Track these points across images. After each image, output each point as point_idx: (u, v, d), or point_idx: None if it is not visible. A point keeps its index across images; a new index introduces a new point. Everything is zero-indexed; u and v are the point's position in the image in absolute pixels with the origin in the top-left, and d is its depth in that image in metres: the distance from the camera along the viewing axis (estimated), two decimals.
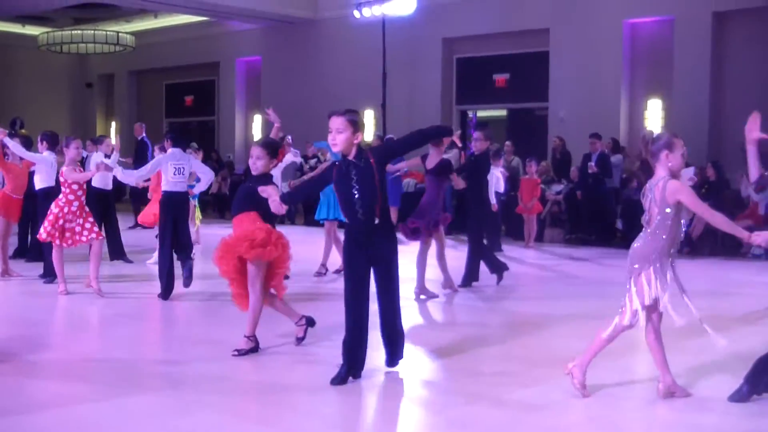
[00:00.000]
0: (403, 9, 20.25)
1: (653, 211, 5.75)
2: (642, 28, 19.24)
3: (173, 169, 9.90)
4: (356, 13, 20.86)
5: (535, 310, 9.66)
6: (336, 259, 11.34)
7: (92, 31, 26.95)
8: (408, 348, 6.89)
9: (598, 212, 16.82)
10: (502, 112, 22.62)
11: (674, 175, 5.73)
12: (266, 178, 7.30)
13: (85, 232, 9.88)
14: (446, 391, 6.41)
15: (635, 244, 5.87)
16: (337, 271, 11.71)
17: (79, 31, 27.01)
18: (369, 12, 20.61)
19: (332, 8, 23.77)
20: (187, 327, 8.79)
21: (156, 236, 10.97)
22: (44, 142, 11.54)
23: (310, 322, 7.63)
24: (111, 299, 9.96)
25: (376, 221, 6.22)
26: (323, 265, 12.26)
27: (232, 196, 10.49)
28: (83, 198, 9.95)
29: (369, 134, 22.15)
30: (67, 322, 9.20)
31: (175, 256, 9.96)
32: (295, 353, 7.37)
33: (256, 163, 7.32)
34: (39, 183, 11.45)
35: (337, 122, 6.29)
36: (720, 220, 5.77)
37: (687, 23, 18.14)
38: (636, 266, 5.80)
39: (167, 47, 28.44)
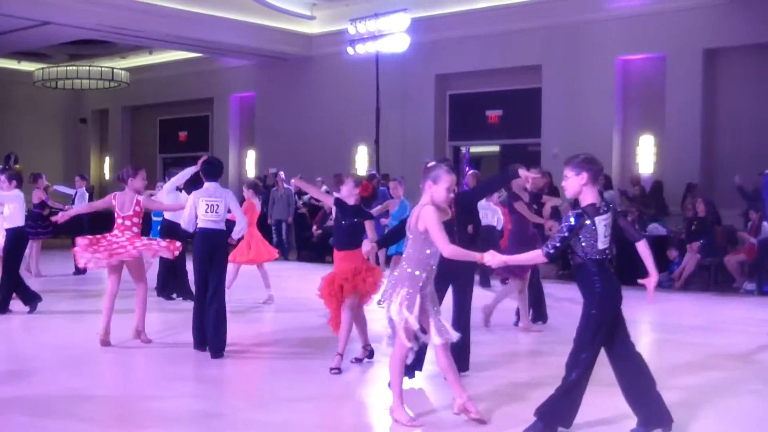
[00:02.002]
0: (397, 46, 20.37)
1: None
2: (634, 65, 19.38)
3: (205, 205, 8.78)
4: (350, 50, 20.98)
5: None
6: None
7: (87, 67, 27.05)
8: None
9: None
10: (495, 148, 22.67)
11: (435, 204, 5.97)
12: (361, 210, 8.27)
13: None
14: None
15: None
16: None
17: (74, 67, 27.10)
18: (363, 49, 20.73)
19: (326, 45, 23.90)
20: (178, 365, 8.68)
21: None
22: (13, 181, 11.38)
23: (371, 354, 8.40)
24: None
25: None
26: None
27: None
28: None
29: (362, 170, 22.25)
30: (55, 357, 9.06)
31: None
32: (288, 391, 7.34)
33: (342, 188, 8.40)
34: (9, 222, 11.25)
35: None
36: (452, 252, 5.86)
37: (678, 60, 18.29)
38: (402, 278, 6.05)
39: (162, 83, 28.55)
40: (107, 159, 32.10)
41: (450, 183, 6.01)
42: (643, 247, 5.86)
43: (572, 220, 5.51)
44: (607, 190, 17.48)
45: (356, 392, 7.57)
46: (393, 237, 7.98)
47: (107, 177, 31.88)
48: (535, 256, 5.74)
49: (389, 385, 6.39)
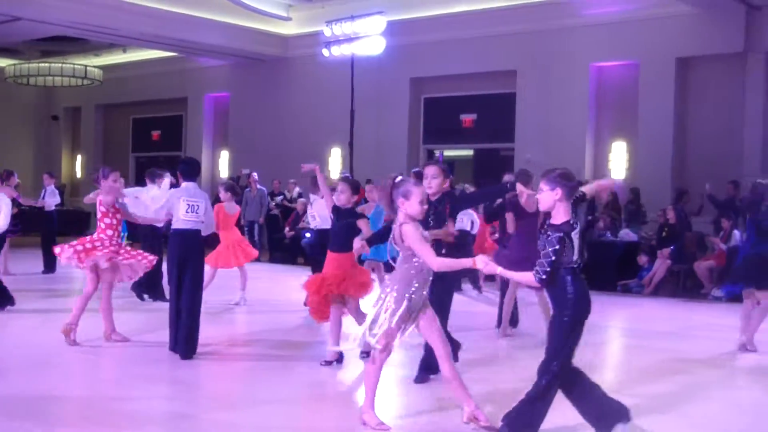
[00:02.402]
0: (372, 49, 20.37)
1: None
2: (608, 72, 19.51)
3: (186, 206, 8.65)
4: (325, 52, 20.95)
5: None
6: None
7: (60, 65, 26.84)
8: None
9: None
10: (469, 152, 22.75)
11: (412, 218, 6.01)
12: (355, 211, 8.47)
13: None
14: None
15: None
16: None
17: (46, 64, 26.88)
18: (338, 51, 20.70)
19: (301, 47, 23.87)
20: (151, 365, 8.62)
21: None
22: None
23: (341, 358, 8.42)
24: (78, 335, 9.80)
25: (443, 251, 7.14)
26: None
27: None
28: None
29: (335, 173, 22.24)
30: (22, 357, 8.96)
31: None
32: (259, 392, 7.33)
33: (340, 196, 8.39)
34: None
35: (432, 170, 7.58)
36: (440, 264, 5.94)
37: (651, 68, 18.44)
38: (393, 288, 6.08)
39: (135, 82, 28.39)
40: (79, 157, 31.89)
41: (421, 196, 6.03)
42: None
43: (557, 245, 5.54)
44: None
45: (327, 394, 7.57)
46: (384, 235, 7.99)
47: (79, 175, 31.67)
48: (527, 279, 5.77)
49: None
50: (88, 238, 9.28)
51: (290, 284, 12.82)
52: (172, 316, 8.71)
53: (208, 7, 22.28)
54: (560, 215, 5.66)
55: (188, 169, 9.01)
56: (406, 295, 5.99)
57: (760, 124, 17.43)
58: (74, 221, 27.83)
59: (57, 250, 9.21)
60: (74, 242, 9.14)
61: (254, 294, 13.24)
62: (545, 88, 19.74)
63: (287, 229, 19.90)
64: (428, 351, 7.27)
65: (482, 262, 5.70)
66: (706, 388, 7.86)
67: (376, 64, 21.25)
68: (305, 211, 14.15)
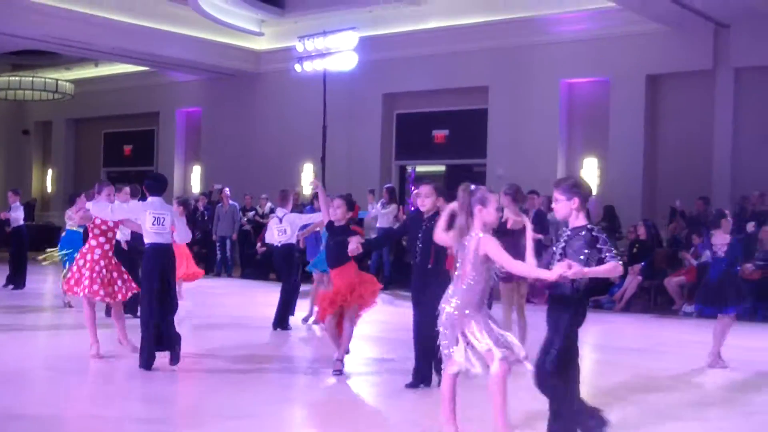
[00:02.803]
0: (345, 64, 20.38)
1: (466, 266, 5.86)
2: (579, 88, 19.64)
3: (152, 218, 8.73)
4: (297, 67, 20.93)
5: None
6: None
7: (31, 78, 26.67)
8: None
9: None
10: (441, 168, 22.78)
11: (489, 226, 5.90)
12: (348, 228, 8.70)
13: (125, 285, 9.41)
14: None
15: (454, 299, 5.88)
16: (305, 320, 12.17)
17: (17, 78, 26.70)
18: (310, 66, 20.70)
19: (274, 62, 23.87)
20: (123, 382, 8.53)
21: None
22: None
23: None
24: (45, 352, 9.70)
25: (429, 266, 7.76)
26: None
27: None
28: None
29: (307, 188, 22.20)
30: None
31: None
32: (228, 408, 7.27)
33: (336, 211, 8.69)
34: None
35: (426, 189, 7.96)
36: (525, 270, 5.80)
37: (622, 85, 18.59)
38: (467, 312, 5.82)
39: (107, 96, 28.25)
40: (50, 171, 31.67)
41: (497, 202, 6.01)
42: None
43: (602, 233, 5.65)
44: (550, 211, 17.63)
45: (294, 409, 7.53)
46: (381, 242, 8.33)
47: (50, 190, 31.44)
48: (611, 268, 5.61)
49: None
50: (79, 263, 9.27)
51: (261, 299, 12.77)
52: (150, 331, 8.64)
53: (180, 22, 22.22)
54: (579, 221, 5.76)
55: (154, 185, 9.06)
56: (484, 309, 5.87)
57: (729, 140, 17.60)
58: (45, 237, 27.59)
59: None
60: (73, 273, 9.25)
61: (225, 309, 13.19)
62: (517, 104, 19.84)
63: (259, 244, 19.77)
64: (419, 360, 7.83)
65: (564, 267, 5.45)
66: (676, 405, 7.87)
67: (348, 80, 21.27)
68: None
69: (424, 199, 7.93)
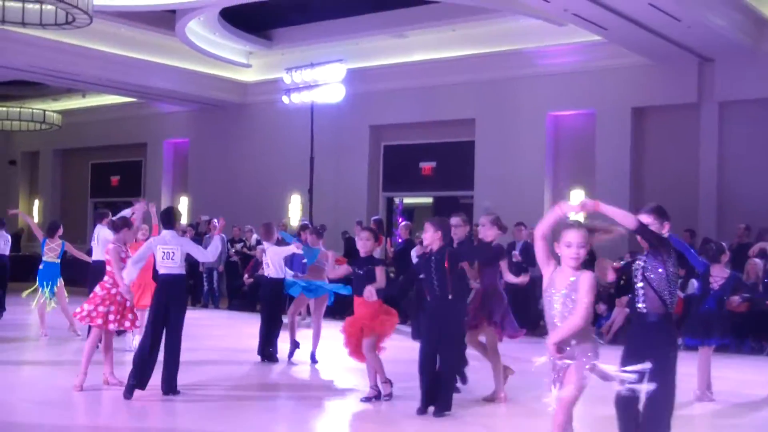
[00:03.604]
0: (332, 96, 20.46)
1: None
2: (565, 121, 19.75)
3: (162, 253, 9.22)
4: (285, 99, 21.00)
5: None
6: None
7: (18, 109, 26.61)
8: None
9: (522, 301, 16.90)
10: (428, 200, 22.84)
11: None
12: (373, 258, 9.15)
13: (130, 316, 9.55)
14: None
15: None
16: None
17: (4, 108, 26.64)
18: (298, 98, 20.77)
19: (261, 93, 23.94)
20: (110, 415, 8.48)
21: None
22: None
23: (379, 395, 9.09)
24: (25, 383, 9.65)
25: (450, 298, 8.30)
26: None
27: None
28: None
29: (295, 219, 22.22)
30: None
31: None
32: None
33: (365, 244, 9.19)
34: None
35: (429, 227, 8.50)
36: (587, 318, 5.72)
37: (608, 117, 18.71)
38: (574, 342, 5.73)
39: (94, 127, 28.28)
40: (36, 202, 31.57)
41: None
42: None
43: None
44: None
45: None
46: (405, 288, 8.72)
47: (36, 220, 31.29)
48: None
49: None
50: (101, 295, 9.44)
51: (248, 331, 12.74)
52: (143, 357, 8.88)
53: (168, 53, 22.29)
54: None
55: (167, 218, 9.63)
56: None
57: (715, 173, 17.71)
58: (31, 267, 27.44)
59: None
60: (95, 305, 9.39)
61: (212, 341, 13.14)
62: (504, 136, 19.93)
63: (246, 276, 19.78)
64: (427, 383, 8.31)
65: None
66: None
67: (335, 112, 21.35)
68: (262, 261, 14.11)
69: (426, 234, 8.49)
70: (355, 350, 9.14)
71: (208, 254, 9.90)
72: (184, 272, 9.38)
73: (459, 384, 9.31)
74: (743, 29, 16.43)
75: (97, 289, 9.48)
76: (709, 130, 17.84)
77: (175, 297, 9.19)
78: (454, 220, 9.45)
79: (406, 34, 20.81)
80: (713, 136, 17.79)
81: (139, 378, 8.84)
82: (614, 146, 18.62)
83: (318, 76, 20.35)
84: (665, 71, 17.90)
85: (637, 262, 5.99)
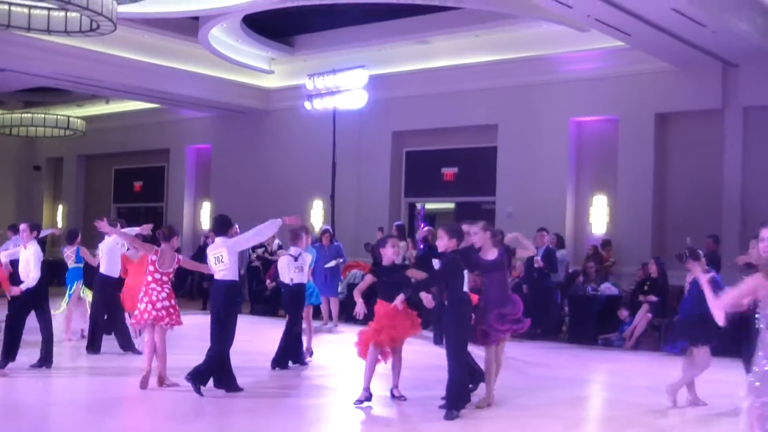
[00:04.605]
0: (354, 102, 20.49)
1: None
2: (588, 127, 19.68)
3: (213, 258, 9.80)
4: (307, 105, 21.04)
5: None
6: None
7: (42, 115, 26.81)
8: None
9: (544, 306, 16.89)
10: (450, 205, 22.81)
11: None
12: (397, 267, 9.48)
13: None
14: None
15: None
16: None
17: (29, 115, 26.86)
18: (320, 104, 20.81)
19: (284, 99, 24.00)
20: (156, 420, 8.53)
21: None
22: None
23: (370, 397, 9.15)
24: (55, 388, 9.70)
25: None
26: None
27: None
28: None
29: (317, 225, 22.26)
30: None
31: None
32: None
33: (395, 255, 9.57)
34: None
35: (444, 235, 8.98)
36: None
37: (631, 123, 18.62)
38: None
39: (118, 133, 28.44)
40: (60, 207, 31.78)
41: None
42: None
43: None
44: (560, 249, 17.64)
45: None
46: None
47: (60, 225, 31.52)
48: None
49: None
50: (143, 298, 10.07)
51: (270, 336, 12.78)
52: (217, 360, 9.57)
53: (191, 60, 22.39)
54: None
55: (218, 227, 10.41)
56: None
57: (739, 179, 17.57)
58: (54, 272, 27.68)
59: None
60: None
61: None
62: (526, 142, 19.89)
63: (268, 281, 19.82)
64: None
65: None
66: None
67: (357, 118, 21.38)
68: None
69: (441, 241, 8.92)
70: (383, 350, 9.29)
71: (260, 233, 10.59)
72: (235, 278, 9.80)
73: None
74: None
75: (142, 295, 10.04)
76: (734, 136, 17.70)
77: (227, 304, 9.69)
78: (473, 228, 9.47)
79: (428, 40, 20.80)
80: (737, 142, 17.66)
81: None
82: (637, 152, 18.53)
83: (340, 83, 20.39)
84: (689, 77, 17.81)
85: None
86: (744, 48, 16.31)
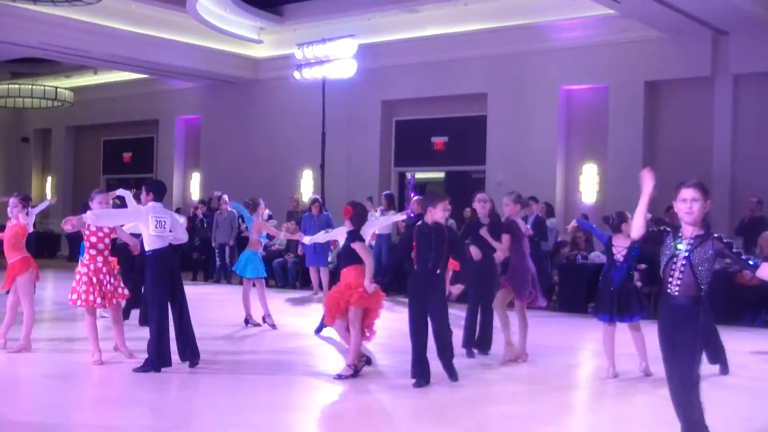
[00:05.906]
0: (344, 72, 20.42)
1: None
2: (577, 95, 19.66)
3: (155, 221, 9.09)
4: (296, 75, 20.98)
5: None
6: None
7: (30, 86, 26.68)
8: None
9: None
10: (440, 175, 22.80)
11: None
12: (358, 234, 9.20)
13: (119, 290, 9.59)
14: None
15: None
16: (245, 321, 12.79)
17: (16, 86, 26.71)
18: (309, 74, 20.74)
19: (273, 69, 23.90)
20: (126, 390, 8.51)
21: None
22: None
23: (356, 372, 8.94)
24: (46, 360, 9.71)
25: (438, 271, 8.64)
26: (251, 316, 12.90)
27: None
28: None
29: (307, 194, 22.25)
30: None
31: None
32: (221, 415, 7.28)
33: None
34: None
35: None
36: None
37: (620, 91, 18.60)
38: None
39: (106, 103, 28.29)
40: (49, 179, 31.67)
41: None
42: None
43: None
44: (549, 217, 17.67)
45: (294, 416, 7.55)
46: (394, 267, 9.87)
47: (49, 197, 31.40)
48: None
49: None
50: (79, 276, 9.36)
51: (258, 306, 12.80)
52: (164, 337, 9.06)
53: (179, 30, 22.25)
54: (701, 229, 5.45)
55: (157, 189, 9.52)
56: None
57: (728, 146, 17.62)
58: (45, 244, 27.73)
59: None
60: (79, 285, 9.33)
61: (224, 316, 13.19)
62: (516, 111, 19.87)
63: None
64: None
65: None
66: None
67: (347, 87, 21.31)
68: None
69: (438, 211, 8.77)
70: (338, 317, 9.11)
71: (179, 239, 9.66)
72: (171, 245, 9.43)
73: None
74: (758, 0, 16.27)
75: (78, 268, 9.48)
76: (723, 104, 17.72)
77: (177, 269, 9.48)
78: (480, 196, 10.48)
79: (417, 9, 20.70)
80: (727, 110, 17.69)
81: (158, 357, 9.00)
82: (627, 120, 18.52)
83: (329, 52, 20.31)
84: (679, 44, 17.78)
85: None
86: (734, 15, 16.28)
